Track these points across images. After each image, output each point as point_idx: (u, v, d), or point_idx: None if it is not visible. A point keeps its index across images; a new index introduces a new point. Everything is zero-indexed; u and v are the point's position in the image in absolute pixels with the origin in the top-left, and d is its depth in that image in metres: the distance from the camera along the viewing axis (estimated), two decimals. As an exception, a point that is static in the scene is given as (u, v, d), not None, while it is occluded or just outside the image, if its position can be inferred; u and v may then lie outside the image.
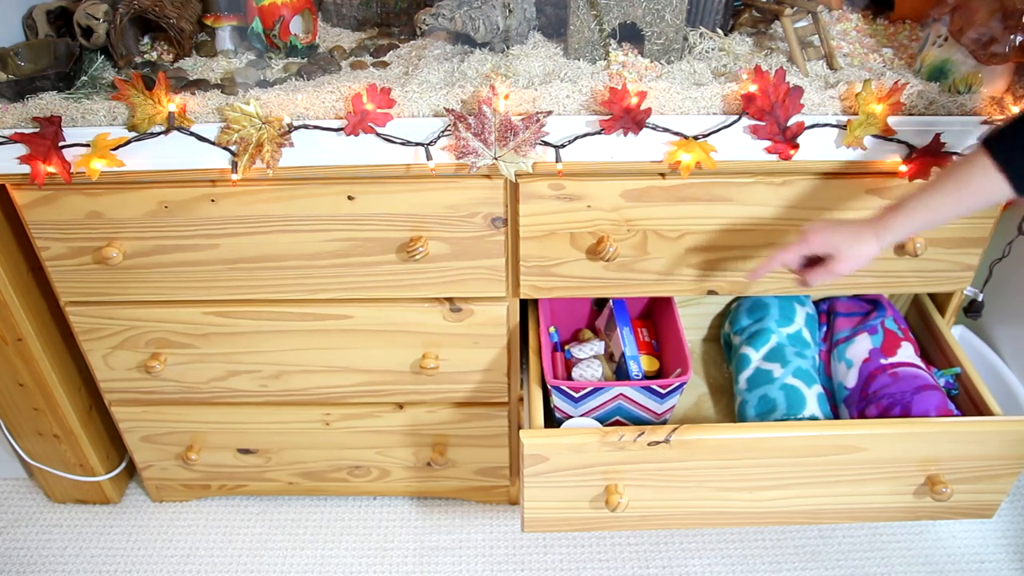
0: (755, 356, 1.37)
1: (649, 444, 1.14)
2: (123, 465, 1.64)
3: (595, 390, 1.25)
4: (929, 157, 1.07)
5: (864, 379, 1.29)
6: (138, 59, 1.19)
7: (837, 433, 1.14)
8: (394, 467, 1.54)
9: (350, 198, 1.15)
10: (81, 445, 1.51)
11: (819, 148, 1.08)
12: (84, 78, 1.14)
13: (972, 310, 1.30)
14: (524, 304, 1.36)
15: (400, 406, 1.43)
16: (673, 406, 1.31)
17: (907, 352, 1.31)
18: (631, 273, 1.23)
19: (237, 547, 1.56)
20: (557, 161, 1.08)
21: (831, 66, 1.11)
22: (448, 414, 1.44)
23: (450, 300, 1.28)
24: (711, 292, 1.27)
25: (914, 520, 1.34)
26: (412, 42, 1.22)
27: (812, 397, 1.29)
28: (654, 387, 1.25)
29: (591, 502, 1.22)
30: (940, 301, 1.37)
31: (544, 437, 1.15)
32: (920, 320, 1.41)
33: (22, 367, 1.38)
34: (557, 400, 1.28)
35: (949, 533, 1.55)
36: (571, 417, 1.30)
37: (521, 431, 1.15)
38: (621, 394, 1.26)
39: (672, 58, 1.13)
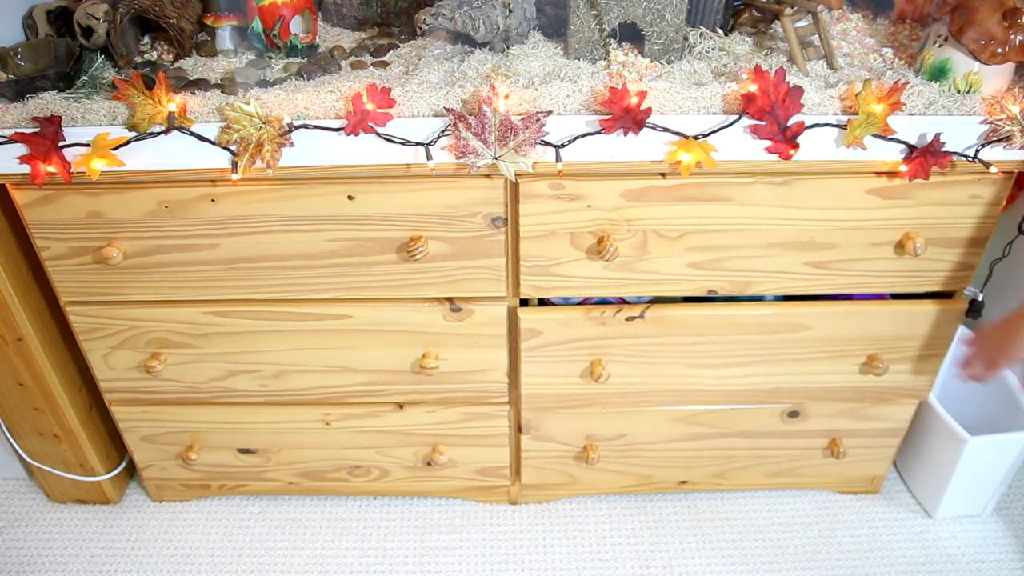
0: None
1: (627, 319, 1.27)
2: (123, 465, 1.64)
3: None
4: (929, 157, 1.07)
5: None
6: (138, 59, 1.19)
7: (786, 311, 1.29)
8: (394, 467, 1.54)
9: (350, 198, 1.15)
10: (81, 445, 1.51)
11: (819, 148, 1.08)
12: (84, 78, 1.14)
13: (972, 310, 1.30)
14: (524, 304, 1.36)
15: (400, 406, 1.43)
16: None
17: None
18: (631, 273, 1.23)
19: (237, 547, 1.56)
20: (557, 161, 1.08)
21: (831, 66, 1.11)
22: (448, 414, 1.44)
23: (450, 300, 1.28)
24: (711, 292, 1.27)
25: (859, 402, 1.42)
26: (412, 42, 1.22)
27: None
28: None
29: (580, 377, 1.35)
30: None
31: (537, 313, 1.28)
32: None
33: (22, 367, 1.38)
34: None
35: (949, 533, 1.55)
36: None
37: (519, 309, 1.27)
38: None
39: (672, 58, 1.13)
